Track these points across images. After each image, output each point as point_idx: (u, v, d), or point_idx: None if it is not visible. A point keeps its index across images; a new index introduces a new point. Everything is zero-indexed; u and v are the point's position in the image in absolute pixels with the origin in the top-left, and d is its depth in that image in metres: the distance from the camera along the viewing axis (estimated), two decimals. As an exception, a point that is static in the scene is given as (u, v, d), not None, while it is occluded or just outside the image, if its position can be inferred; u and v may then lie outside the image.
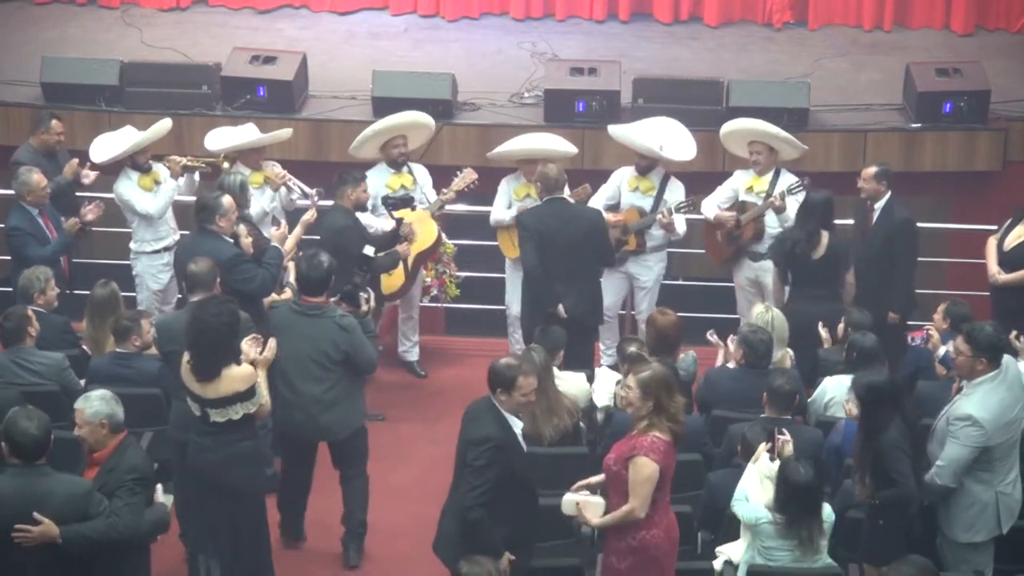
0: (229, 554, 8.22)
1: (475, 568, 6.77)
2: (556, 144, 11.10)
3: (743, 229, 10.98)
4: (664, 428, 7.37)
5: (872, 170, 10.67)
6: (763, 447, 7.95)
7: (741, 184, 11.12)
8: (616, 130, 11.19)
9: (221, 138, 11.13)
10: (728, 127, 11.20)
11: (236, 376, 8.00)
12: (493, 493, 7.50)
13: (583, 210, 10.51)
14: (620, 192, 11.10)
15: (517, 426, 7.68)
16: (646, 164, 11.02)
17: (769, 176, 11.00)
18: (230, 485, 8.14)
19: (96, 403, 7.52)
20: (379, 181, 10.95)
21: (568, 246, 10.20)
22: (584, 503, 7.53)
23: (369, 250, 10.15)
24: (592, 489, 7.61)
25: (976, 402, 7.72)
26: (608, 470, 7.47)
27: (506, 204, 11.15)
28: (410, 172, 11.13)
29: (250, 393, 8.04)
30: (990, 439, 7.71)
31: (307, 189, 10.95)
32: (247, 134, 11.10)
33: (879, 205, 10.66)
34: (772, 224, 10.89)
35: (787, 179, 10.96)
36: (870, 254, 10.68)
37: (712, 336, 9.84)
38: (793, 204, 10.72)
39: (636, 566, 7.42)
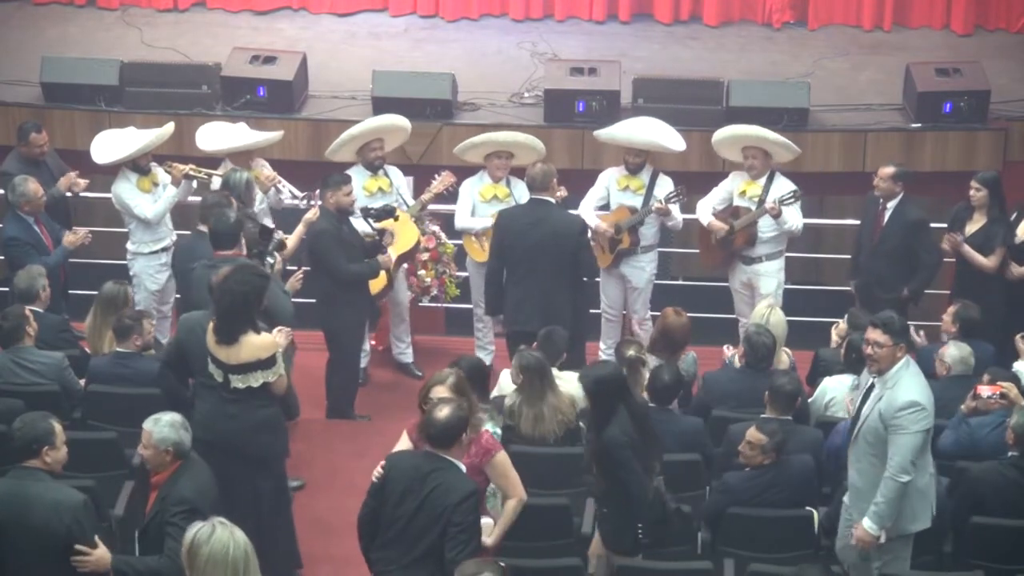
0: (249, 523, 8.15)
1: (469, 568, 6.62)
2: (523, 138, 11.11)
3: (736, 235, 10.94)
4: (482, 418, 7.76)
5: (890, 170, 10.70)
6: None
7: (735, 187, 11.07)
8: (606, 132, 11.18)
9: (213, 137, 11.10)
10: (720, 134, 11.12)
11: (258, 344, 8.20)
12: None
13: (559, 214, 10.39)
14: (609, 193, 11.09)
15: (462, 470, 7.34)
16: (637, 163, 11.02)
17: (763, 180, 10.97)
18: (253, 452, 8.31)
19: (165, 429, 7.27)
20: (356, 183, 10.89)
21: (533, 247, 10.20)
22: None
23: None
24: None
25: (908, 388, 7.62)
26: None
27: (469, 207, 11.15)
28: (386, 175, 11.15)
29: (271, 362, 8.24)
30: (931, 420, 7.67)
31: (297, 192, 10.94)
32: (240, 136, 11.07)
33: (891, 204, 10.70)
34: (765, 228, 10.86)
35: (781, 183, 10.91)
36: (883, 251, 10.76)
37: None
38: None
39: None
